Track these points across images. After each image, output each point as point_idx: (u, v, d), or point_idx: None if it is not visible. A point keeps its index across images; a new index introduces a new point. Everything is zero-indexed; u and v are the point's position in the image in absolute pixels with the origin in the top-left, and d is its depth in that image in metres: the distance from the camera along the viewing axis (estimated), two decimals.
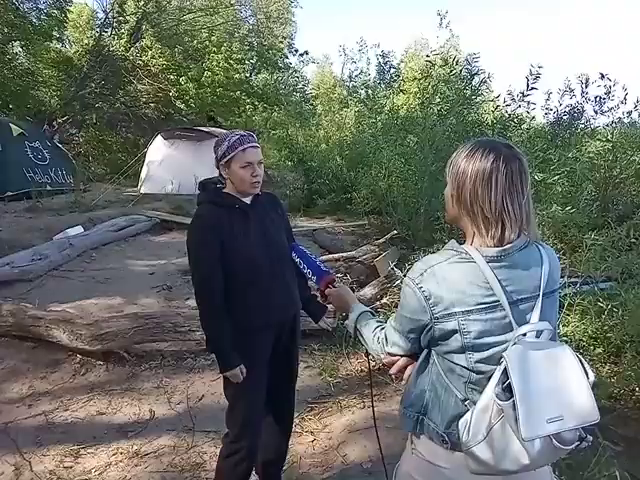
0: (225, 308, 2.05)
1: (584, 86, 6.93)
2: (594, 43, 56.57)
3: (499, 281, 1.23)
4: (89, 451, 2.90)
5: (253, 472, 2.34)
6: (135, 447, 2.93)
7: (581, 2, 54.51)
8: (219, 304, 2.04)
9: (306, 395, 3.43)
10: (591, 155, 6.15)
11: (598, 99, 6.88)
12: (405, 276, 1.36)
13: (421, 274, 1.28)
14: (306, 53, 21.10)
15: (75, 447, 2.91)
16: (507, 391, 1.15)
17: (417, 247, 5.60)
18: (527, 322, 1.25)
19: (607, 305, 3.52)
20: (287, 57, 20.80)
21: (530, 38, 56.10)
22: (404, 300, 1.34)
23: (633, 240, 4.10)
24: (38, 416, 3.23)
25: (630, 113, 6.83)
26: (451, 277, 1.25)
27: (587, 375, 1.18)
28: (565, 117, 7.79)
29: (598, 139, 6.40)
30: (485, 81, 8.71)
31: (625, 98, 6.67)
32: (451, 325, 1.25)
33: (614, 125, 6.72)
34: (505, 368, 1.16)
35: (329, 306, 2.32)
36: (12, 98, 14.41)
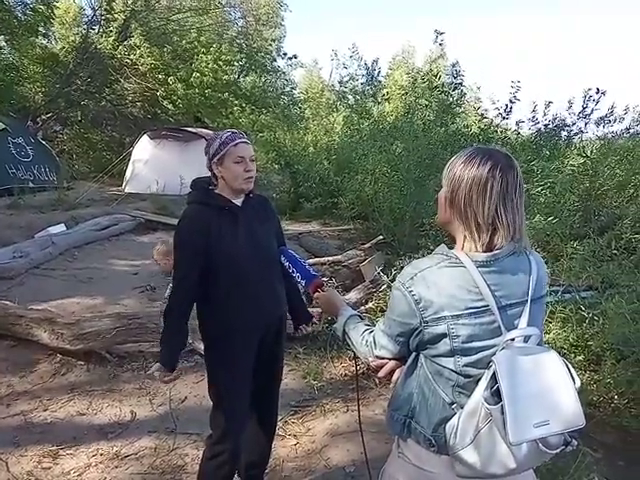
0: (190, 310, 2.08)
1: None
2: (595, 42, 57.80)
3: (488, 286, 1.24)
4: (68, 452, 2.85)
5: (236, 475, 2.33)
6: (115, 448, 2.90)
7: (582, 2, 55.55)
8: (186, 306, 2.08)
9: (289, 398, 3.42)
10: (573, 168, 6.27)
11: (588, 114, 7.08)
12: (393, 280, 1.37)
13: (411, 278, 1.29)
14: (295, 57, 21.06)
15: (54, 448, 2.87)
16: (495, 395, 1.16)
17: (402, 253, 5.64)
18: (516, 327, 1.26)
19: (588, 314, 3.58)
20: (275, 60, 20.79)
21: (532, 38, 57.11)
22: (393, 303, 1.35)
23: (614, 251, 4.18)
24: (16, 416, 3.18)
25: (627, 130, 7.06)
26: (441, 281, 1.26)
27: (574, 380, 1.20)
28: (550, 128, 7.96)
29: (579, 154, 6.52)
30: (464, 93, 8.90)
31: (623, 117, 6.90)
32: (440, 329, 1.26)
33: (601, 139, 6.88)
34: (494, 372, 1.17)
35: (314, 311, 2.33)
36: None
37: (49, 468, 2.71)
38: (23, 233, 7.30)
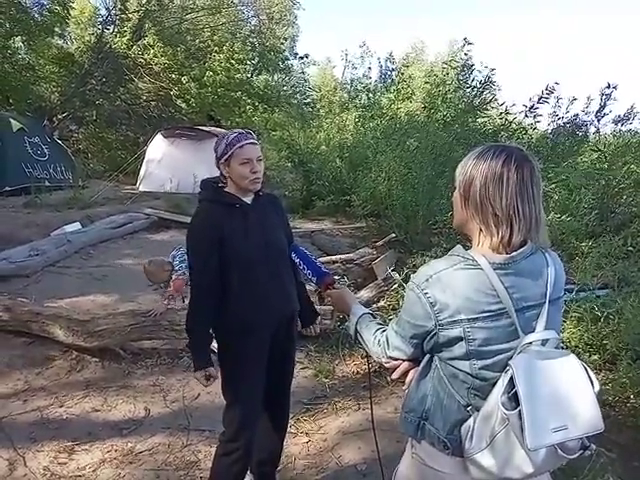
0: (215, 307, 2.07)
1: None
2: (593, 42, 57.28)
3: (506, 288, 1.21)
4: (83, 448, 2.89)
5: (248, 472, 2.35)
6: (130, 445, 2.93)
7: (581, 3, 55.07)
8: (206, 302, 2.07)
9: (301, 396, 3.43)
10: (588, 165, 6.21)
11: (603, 112, 6.99)
12: (405, 279, 1.36)
13: (427, 279, 1.26)
14: (306, 56, 21.00)
15: (69, 443, 2.91)
16: (513, 400, 1.14)
17: (415, 251, 5.61)
18: (533, 329, 1.24)
19: (603, 312, 3.54)
20: (288, 59, 20.75)
21: (529, 38, 56.76)
22: (408, 305, 1.32)
23: (630, 248, 4.13)
24: (33, 412, 3.22)
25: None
26: (457, 284, 1.23)
27: (593, 384, 1.18)
28: (570, 125, 7.82)
29: (592, 149, 6.43)
30: (491, 94, 8.79)
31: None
32: (456, 332, 1.23)
33: (617, 136, 6.79)
34: (511, 377, 1.15)
35: (323, 309, 2.32)
36: (12, 93, 14.35)
37: (65, 463, 2.75)
38: (39, 231, 7.37)
